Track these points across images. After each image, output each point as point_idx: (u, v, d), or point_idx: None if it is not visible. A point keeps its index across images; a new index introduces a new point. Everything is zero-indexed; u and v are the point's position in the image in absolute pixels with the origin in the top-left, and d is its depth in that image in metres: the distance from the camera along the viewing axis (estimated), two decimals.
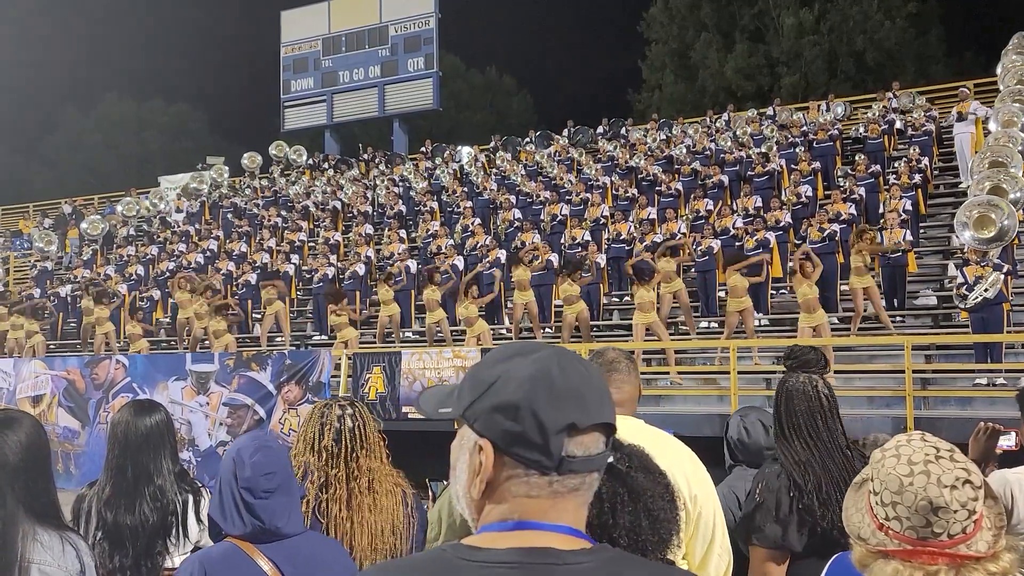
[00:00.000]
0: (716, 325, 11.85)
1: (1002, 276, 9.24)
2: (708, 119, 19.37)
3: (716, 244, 12.05)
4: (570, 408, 1.00)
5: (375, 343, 13.04)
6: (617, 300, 13.44)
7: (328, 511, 2.28)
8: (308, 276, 15.70)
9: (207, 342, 13.28)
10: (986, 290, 9.07)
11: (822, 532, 2.34)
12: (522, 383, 1.01)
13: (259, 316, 14.40)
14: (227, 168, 24.18)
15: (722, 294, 11.90)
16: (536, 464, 1.00)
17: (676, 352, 10.94)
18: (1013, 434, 3.05)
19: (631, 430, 1.90)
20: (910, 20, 30.91)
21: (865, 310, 10.74)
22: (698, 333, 11.76)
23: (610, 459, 1.07)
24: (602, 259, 12.93)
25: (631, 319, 11.32)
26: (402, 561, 1.10)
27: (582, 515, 1.04)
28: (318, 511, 2.29)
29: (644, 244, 12.59)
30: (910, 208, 11.99)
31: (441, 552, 1.02)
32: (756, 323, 11.31)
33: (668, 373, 10.62)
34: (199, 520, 2.78)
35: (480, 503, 1.04)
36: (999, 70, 14.85)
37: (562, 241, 13.76)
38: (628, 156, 16.97)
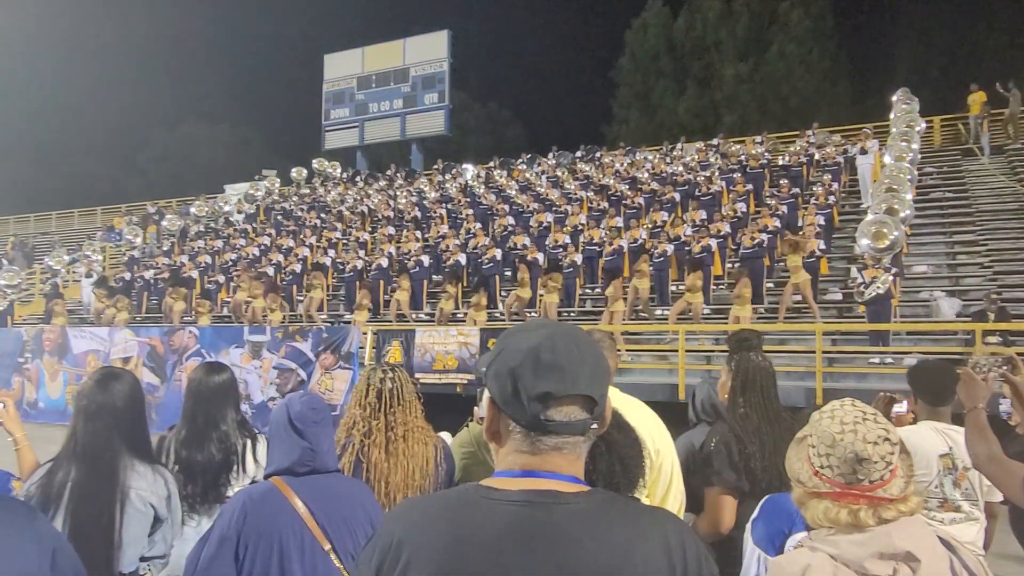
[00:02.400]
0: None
1: (891, 278, 9.29)
2: (664, 148, 19.30)
3: (670, 248, 12.01)
4: (549, 379, 0.96)
5: (391, 322, 12.96)
6: (589, 291, 13.41)
7: (369, 454, 2.26)
8: (341, 267, 15.58)
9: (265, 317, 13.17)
10: (879, 288, 9.12)
11: (754, 480, 2.33)
12: (516, 354, 0.98)
13: (302, 298, 14.33)
14: (278, 179, 24.00)
15: (673, 288, 11.91)
16: (518, 423, 0.98)
17: (635, 334, 10.93)
18: (905, 402, 3.09)
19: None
20: (824, 74, 31.53)
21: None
22: (656, 318, 11.74)
23: (594, 426, 1.00)
24: (579, 258, 12.88)
25: (600, 307, 11.30)
26: (433, 496, 1.08)
27: (579, 466, 1.01)
28: (361, 453, 2.26)
29: (612, 247, 12.55)
30: (823, 223, 11.99)
31: (465, 490, 1.01)
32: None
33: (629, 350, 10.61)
34: (255, 460, 2.74)
35: (495, 447, 1.03)
36: (892, 116, 14.91)
37: (547, 243, 13.71)
38: (601, 176, 16.90)
